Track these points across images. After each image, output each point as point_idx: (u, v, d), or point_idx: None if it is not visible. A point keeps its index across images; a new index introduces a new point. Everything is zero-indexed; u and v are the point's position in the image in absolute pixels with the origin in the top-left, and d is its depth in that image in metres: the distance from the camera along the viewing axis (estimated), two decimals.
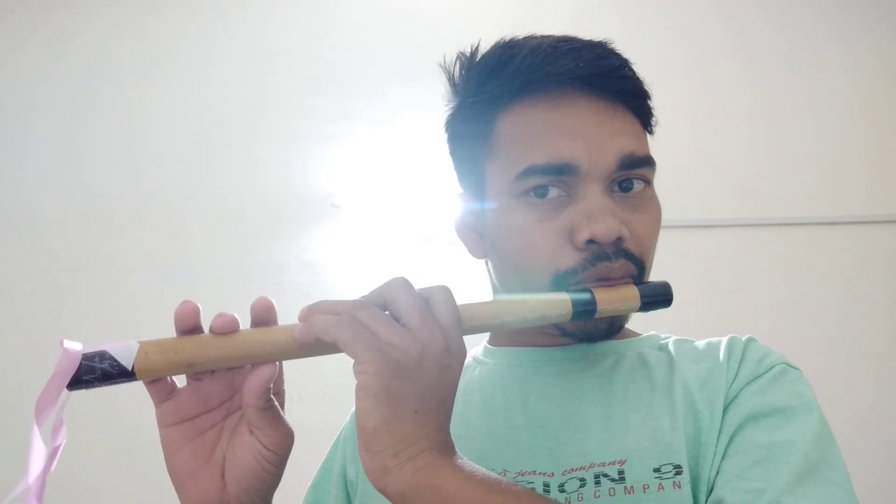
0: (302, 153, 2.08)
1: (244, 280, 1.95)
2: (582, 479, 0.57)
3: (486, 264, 0.68)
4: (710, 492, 0.54)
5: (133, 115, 2.08)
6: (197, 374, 0.52)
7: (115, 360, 0.45)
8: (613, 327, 0.62)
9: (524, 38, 0.64)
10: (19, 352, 1.89)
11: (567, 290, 0.57)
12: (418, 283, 0.51)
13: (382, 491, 0.47)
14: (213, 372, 0.53)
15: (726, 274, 2.04)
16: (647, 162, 0.62)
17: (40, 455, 0.43)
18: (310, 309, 0.49)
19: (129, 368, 0.45)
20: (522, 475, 0.59)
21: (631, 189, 0.61)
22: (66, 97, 2.07)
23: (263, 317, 0.51)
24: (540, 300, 0.56)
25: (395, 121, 2.08)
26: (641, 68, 0.65)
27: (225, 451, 0.53)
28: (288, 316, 0.52)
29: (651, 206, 0.63)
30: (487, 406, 0.65)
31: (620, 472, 0.56)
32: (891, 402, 1.97)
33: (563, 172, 0.59)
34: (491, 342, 0.73)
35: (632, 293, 0.58)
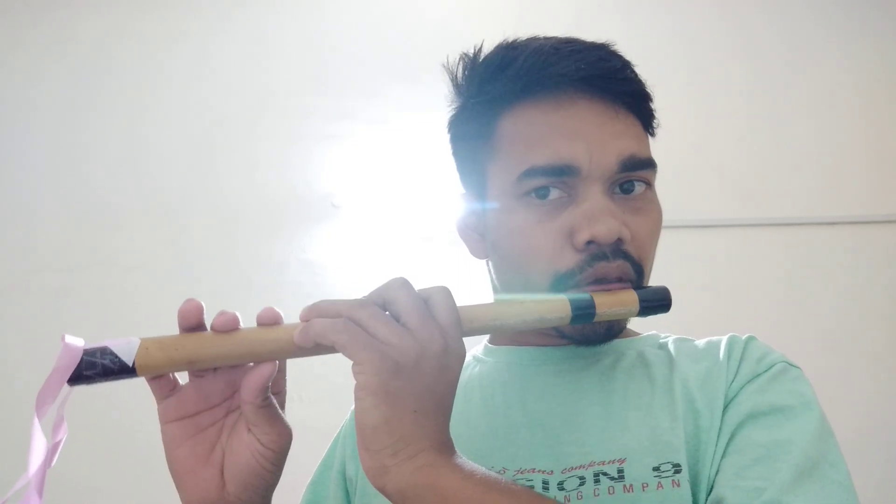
0: (302, 153, 2.08)
1: (244, 280, 1.96)
2: (581, 478, 0.57)
3: (487, 264, 0.69)
4: (710, 490, 0.54)
5: (133, 115, 2.08)
6: (198, 371, 0.52)
7: (116, 356, 0.45)
8: (612, 331, 0.62)
9: (527, 40, 0.64)
10: (19, 352, 1.89)
11: (566, 293, 0.57)
12: (418, 284, 0.51)
13: (381, 490, 0.47)
14: (215, 370, 0.53)
15: (726, 274, 2.04)
16: (648, 164, 0.62)
17: (41, 449, 0.43)
18: (309, 310, 0.49)
19: (130, 364, 0.46)
20: (522, 473, 0.59)
21: (632, 191, 0.61)
22: (66, 97, 2.08)
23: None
24: (539, 302, 0.56)
25: (395, 121, 2.08)
26: (641, 68, 0.66)
27: (224, 448, 0.53)
28: (288, 316, 0.52)
29: (652, 208, 0.63)
30: (487, 404, 0.65)
31: (620, 471, 0.56)
32: (891, 402, 1.97)
33: (563, 174, 0.59)
34: (491, 341, 0.73)
35: (631, 297, 0.58)
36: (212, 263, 1.98)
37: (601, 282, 0.59)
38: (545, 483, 0.58)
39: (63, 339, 0.45)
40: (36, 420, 0.43)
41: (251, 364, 0.50)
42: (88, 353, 0.45)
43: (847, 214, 2.07)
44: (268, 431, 0.51)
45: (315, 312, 0.48)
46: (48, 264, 1.98)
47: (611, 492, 0.55)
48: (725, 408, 0.58)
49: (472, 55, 0.66)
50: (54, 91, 2.08)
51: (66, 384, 0.45)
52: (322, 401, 1.60)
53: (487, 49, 0.65)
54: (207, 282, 1.95)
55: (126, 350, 0.46)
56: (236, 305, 0.51)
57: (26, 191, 2.03)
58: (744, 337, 0.65)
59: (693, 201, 2.03)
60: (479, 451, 0.61)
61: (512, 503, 0.45)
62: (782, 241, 2.07)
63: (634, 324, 0.68)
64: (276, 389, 0.54)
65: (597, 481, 0.56)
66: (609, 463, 0.57)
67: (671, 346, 0.66)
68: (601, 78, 0.60)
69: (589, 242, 0.58)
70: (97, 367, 0.45)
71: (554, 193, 0.60)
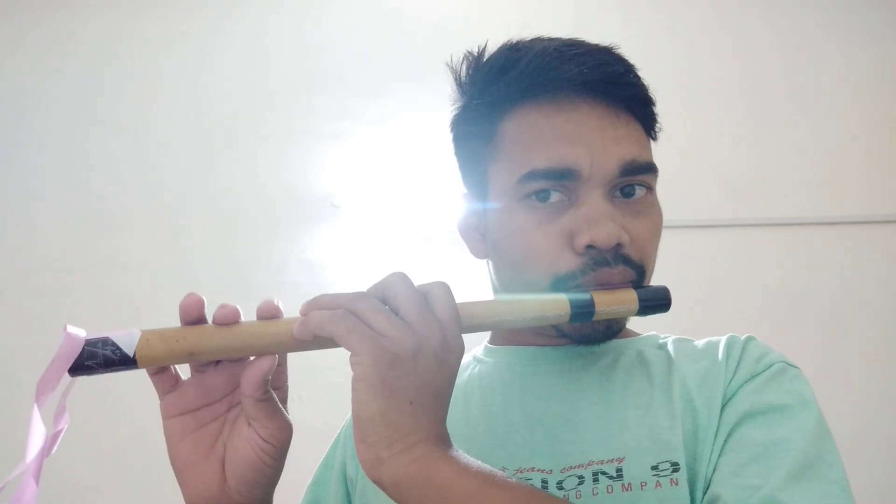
0: (302, 153, 2.08)
1: (244, 280, 1.96)
2: (580, 477, 0.57)
3: (488, 265, 0.69)
4: (707, 488, 0.55)
5: (133, 115, 2.08)
6: (199, 365, 0.53)
7: (118, 347, 0.46)
8: (611, 330, 0.62)
9: (530, 41, 0.64)
10: (19, 352, 1.89)
11: (566, 292, 0.57)
12: (418, 283, 0.51)
13: (377, 482, 0.47)
14: (217, 364, 0.53)
15: (726, 274, 2.04)
16: (649, 168, 0.62)
17: (39, 436, 0.44)
18: (310, 304, 0.49)
19: (131, 355, 0.46)
20: (521, 472, 0.59)
21: (633, 195, 0.61)
22: (67, 97, 2.08)
23: (270, 318, 0.51)
24: (539, 300, 0.56)
25: (395, 121, 2.08)
26: (641, 68, 0.66)
27: (226, 443, 0.53)
28: (288, 313, 0.52)
29: (652, 211, 0.63)
30: (487, 404, 0.66)
31: (618, 470, 0.56)
32: (890, 402, 1.98)
33: (564, 177, 0.59)
34: (491, 341, 0.73)
35: (630, 297, 0.58)
36: (212, 263, 1.98)
37: (603, 287, 0.59)
38: (544, 482, 0.58)
39: (65, 328, 0.45)
40: (35, 408, 0.43)
41: (252, 358, 0.51)
42: (90, 344, 0.45)
43: (847, 214, 2.07)
44: (267, 425, 0.52)
45: (315, 306, 0.49)
46: (48, 264, 1.98)
47: (609, 491, 0.56)
48: (723, 407, 0.58)
49: (475, 55, 0.66)
50: (54, 91, 2.08)
51: (67, 375, 0.45)
52: (322, 401, 1.60)
53: (491, 49, 0.65)
54: (207, 282, 1.95)
55: (127, 341, 0.46)
56: (236, 305, 0.52)
57: (26, 191, 2.03)
58: (743, 337, 0.65)
59: (693, 201, 2.03)
60: (479, 450, 0.61)
61: (507, 495, 0.46)
62: (782, 241, 2.07)
63: (634, 324, 0.68)
64: (276, 384, 0.55)
65: (595, 480, 0.56)
66: (608, 462, 0.57)
67: (670, 347, 0.67)
68: (603, 82, 0.60)
69: (589, 246, 0.58)
70: (98, 358, 0.45)
71: (554, 196, 0.60)
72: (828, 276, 2.04)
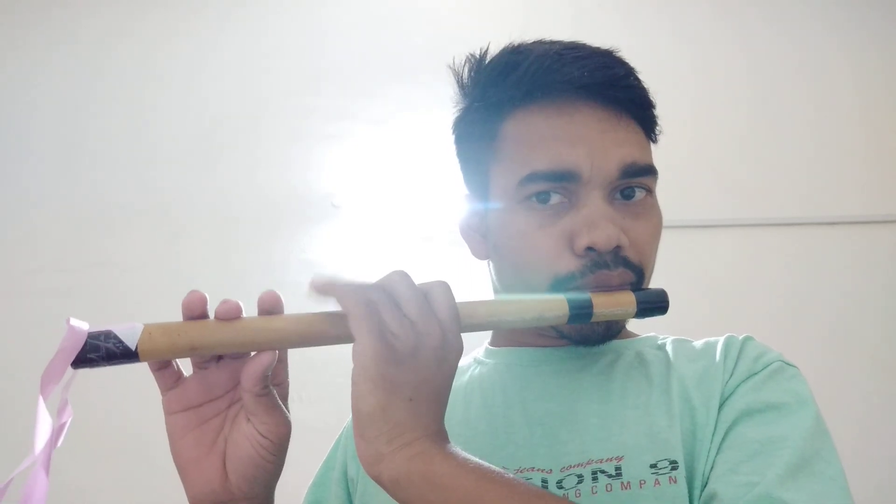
0: (302, 153, 2.08)
1: (244, 280, 1.95)
2: (579, 476, 0.57)
3: (488, 265, 0.69)
4: (705, 486, 0.55)
5: (133, 115, 2.08)
6: (201, 360, 0.53)
7: (120, 340, 0.46)
8: (610, 332, 0.63)
9: (532, 44, 0.65)
10: (19, 352, 1.89)
11: (565, 293, 0.58)
12: (418, 282, 0.51)
13: (376, 478, 0.47)
14: (218, 360, 0.53)
15: (726, 274, 2.04)
16: (649, 171, 0.62)
17: (46, 428, 0.44)
18: (326, 276, 0.49)
19: (133, 349, 0.46)
20: (521, 472, 0.59)
21: (632, 197, 0.62)
22: (66, 97, 2.08)
23: (270, 311, 0.51)
24: (538, 301, 0.57)
25: (394, 121, 2.08)
26: (641, 68, 0.66)
27: (227, 438, 0.54)
28: (288, 308, 0.52)
29: (652, 214, 0.63)
30: (487, 405, 0.66)
31: (617, 468, 0.57)
32: (890, 402, 1.98)
33: (564, 179, 0.60)
34: (492, 343, 0.74)
35: (628, 299, 0.59)
36: (212, 263, 1.98)
37: (602, 289, 0.59)
38: (544, 482, 0.58)
39: (68, 321, 0.45)
40: (41, 399, 0.44)
41: (253, 354, 0.51)
42: (93, 337, 0.46)
43: (847, 214, 2.07)
44: (266, 421, 0.52)
45: (329, 279, 0.49)
46: (48, 264, 1.98)
47: (608, 489, 0.56)
48: (721, 405, 0.59)
49: (477, 58, 0.67)
50: (54, 91, 2.08)
51: (70, 368, 0.45)
52: (322, 401, 1.60)
53: (493, 52, 0.66)
54: (207, 282, 1.94)
55: (129, 335, 0.46)
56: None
57: (26, 191, 2.03)
58: (741, 337, 0.65)
59: (693, 201, 2.03)
60: (479, 450, 0.61)
61: (505, 491, 0.46)
62: (782, 242, 2.07)
63: (633, 325, 0.68)
64: (277, 380, 0.55)
65: (595, 479, 0.57)
66: (607, 461, 0.57)
67: (669, 347, 0.67)
68: (604, 85, 0.61)
69: (589, 248, 0.59)
70: (101, 351, 0.46)
71: (555, 198, 0.60)
72: (828, 276, 2.04)
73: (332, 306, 0.49)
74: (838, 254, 2.06)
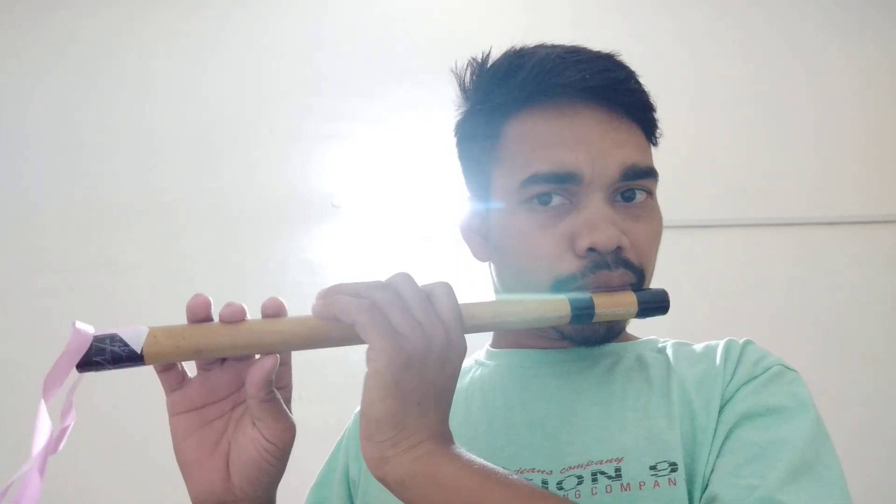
0: (302, 153, 2.08)
1: (244, 280, 1.96)
2: (579, 477, 0.58)
3: (489, 267, 0.70)
4: (705, 489, 0.55)
5: (133, 114, 2.08)
6: (206, 363, 0.53)
7: (125, 343, 0.46)
8: (611, 332, 0.63)
9: (534, 48, 0.65)
10: (19, 352, 1.89)
11: (566, 294, 0.58)
12: (419, 282, 0.51)
13: (382, 479, 0.48)
14: (222, 362, 0.54)
15: (726, 274, 2.04)
16: (650, 173, 0.63)
17: (45, 431, 0.44)
18: (329, 290, 0.50)
19: (139, 352, 0.46)
20: (521, 473, 0.60)
21: (633, 199, 0.62)
22: (66, 97, 2.08)
23: (274, 316, 0.52)
24: (539, 301, 0.57)
25: (394, 121, 2.08)
26: (641, 68, 0.66)
27: (230, 441, 0.54)
28: (289, 314, 0.52)
29: (652, 215, 0.64)
30: (488, 406, 0.66)
31: (617, 470, 0.57)
32: (890, 402, 1.98)
33: (566, 181, 0.60)
34: (493, 345, 0.74)
35: (629, 299, 0.59)
36: (212, 263, 1.98)
37: (603, 289, 0.60)
38: (544, 482, 0.58)
39: (73, 324, 0.45)
40: (42, 403, 0.44)
41: (257, 356, 0.51)
42: (98, 340, 0.46)
43: (847, 214, 2.07)
44: (272, 426, 0.52)
45: (334, 293, 0.49)
46: (48, 264, 1.98)
47: (608, 490, 0.56)
48: (721, 408, 0.59)
49: (479, 62, 0.67)
50: (54, 91, 2.08)
51: (75, 370, 0.45)
52: (322, 401, 1.60)
53: (495, 56, 0.67)
54: (207, 282, 1.95)
55: (135, 337, 0.46)
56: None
57: (26, 191, 2.03)
58: (741, 341, 0.65)
59: (693, 201, 2.03)
60: (480, 451, 0.61)
61: (509, 492, 0.46)
62: (782, 241, 2.07)
63: (633, 328, 0.68)
64: (281, 384, 0.55)
65: (594, 480, 0.57)
66: (607, 462, 0.58)
67: (669, 351, 0.67)
68: (605, 88, 0.61)
69: (590, 249, 0.59)
70: (106, 354, 0.46)
71: (556, 200, 0.61)
72: (828, 275, 2.04)
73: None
74: (839, 254, 2.06)
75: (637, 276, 0.61)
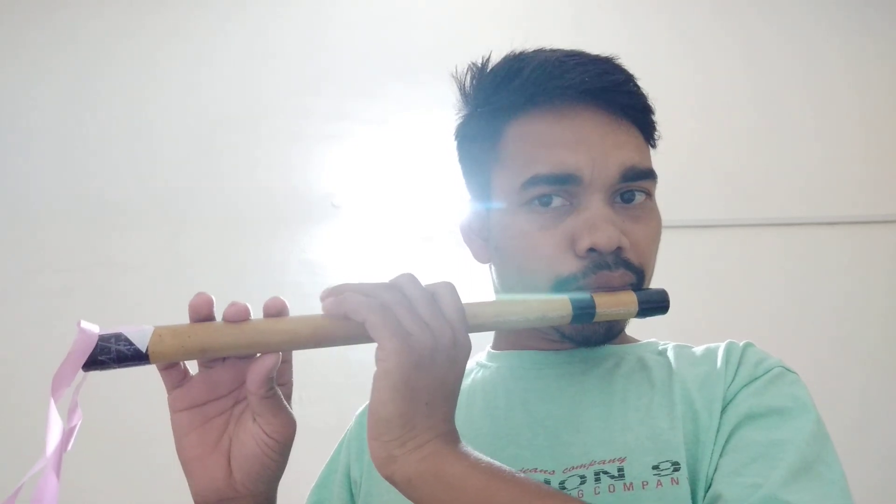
0: (302, 153, 2.08)
1: (244, 280, 1.96)
2: (582, 477, 0.58)
3: (490, 268, 0.70)
4: (708, 488, 0.56)
5: (133, 114, 2.08)
6: (209, 361, 0.54)
7: (130, 342, 0.46)
8: (611, 332, 0.64)
9: (533, 52, 0.66)
10: (19, 352, 1.89)
11: (567, 294, 0.58)
12: (423, 283, 0.51)
13: (389, 478, 0.48)
14: (224, 360, 0.54)
15: (726, 274, 2.04)
16: (649, 175, 0.63)
17: (57, 431, 0.44)
18: (337, 288, 0.50)
19: (144, 351, 0.47)
20: (523, 472, 0.59)
21: (632, 200, 0.63)
22: (67, 97, 2.08)
23: (277, 316, 0.52)
24: (541, 301, 0.58)
25: (395, 121, 2.08)
26: (641, 68, 0.66)
27: (231, 437, 0.55)
28: (291, 313, 0.52)
29: (652, 216, 0.64)
30: (490, 407, 0.67)
31: (620, 470, 0.57)
32: (890, 402, 1.98)
33: (566, 182, 0.61)
34: (494, 346, 0.74)
35: (630, 299, 0.60)
36: (212, 263, 1.98)
37: (603, 290, 0.60)
38: (547, 482, 0.59)
39: (79, 324, 0.46)
40: (52, 403, 0.44)
41: (258, 356, 0.51)
42: (103, 339, 0.46)
43: (847, 214, 2.08)
44: (272, 422, 0.53)
45: (340, 292, 0.49)
46: (48, 264, 1.98)
47: (611, 490, 0.56)
48: (723, 409, 0.59)
49: (479, 66, 0.68)
50: (55, 91, 2.08)
51: (80, 370, 0.45)
52: (322, 401, 1.61)
53: (495, 60, 0.67)
54: (207, 282, 1.94)
55: (140, 337, 0.47)
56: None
57: (27, 191, 2.03)
58: (741, 343, 0.66)
59: (693, 201, 2.03)
60: (482, 452, 0.61)
61: (516, 491, 0.47)
62: (782, 241, 2.07)
63: (633, 328, 0.68)
64: (282, 381, 0.56)
65: (597, 480, 0.57)
66: (609, 462, 0.58)
67: (670, 353, 0.68)
68: (604, 90, 0.62)
69: (590, 250, 0.60)
70: (111, 353, 0.46)
71: (556, 201, 0.61)
72: (828, 275, 2.04)
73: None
74: (838, 254, 2.06)
75: (637, 277, 0.62)
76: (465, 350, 0.51)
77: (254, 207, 2.03)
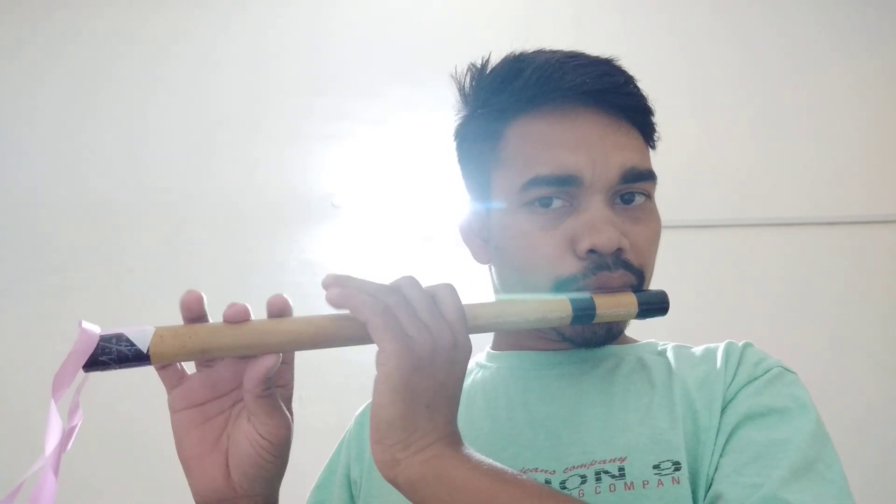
0: (302, 153, 2.08)
1: (244, 280, 1.96)
2: (583, 476, 0.58)
3: (490, 269, 0.70)
4: (709, 488, 0.56)
5: (133, 115, 2.08)
6: (208, 361, 0.54)
7: (132, 343, 0.46)
8: (611, 333, 0.64)
9: (533, 53, 0.66)
10: (20, 352, 1.89)
11: (568, 295, 0.59)
12: (423, 284, 0.51)
13: (392, 481, 0.48)
14: (223, 360, 0.54)
15: (726, 274, 2.04)
16: (649, 176, 0.63)
17: (56, 431, 0.44)
18: (339, 280, 0.50)
19: (145, 351, 0.47)
20: (525, 473, 0.60)
21: (632, 202, 0.63)
22: (67, 97, 2.08)
23: (279, 314, 0.52)
24: (541, 302, 0.58)
25: (395, 121, 2.08)
26: (641, 68, 0.66)
27: (229, 436, 0.55)
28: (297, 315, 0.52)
29: (651, 218, 0.65)
30: (490, 407, 0.67)
31: (621, 469, 0.57)
32: (890, 402, 1.98)
33: (566, 184, 0.61)
34: (493, 347, 0.74)
35: (629, 300, 0.60)
36: (212, 263, 1.98)
37: (603, 291, 0.60)
38: (548, 482, 0.59)
39: (80, 324, 0.46)
40: (53, 403, 0.44)
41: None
42: (104, 340, 0.46)
43: (847, 214, 2.08)
44: (265, 422, 0.53)
45: (346, 286, 0.49)
46: (48, 264, 1.98)
47: (612, 489, 0.57)
48: (723, 409, 0.59)
49: (479, 67, 0.68)
50: (55, 91, 2.08)
51: (81, 370, 0.45)
52: (322, 401, 1.61)
53: (494, 61, 0.67)
54: (207, 282, 1.94)
55: (141, 337, 0.47)
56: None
57: (27, 190, 2.03)
58: (741, 343, 0.66)
59: (693, 201, 2.03)
60: (483, 452, 0.61)
61: (518, 492, 0.47)
62: (782, 241, 2.07)
63: (633, 328, 0.69)
64: (281, 382, 0.56)
65: (598, 479, 0.57)
66: (610, 461, 0.58)
67: (670, 354, 0.68)
68: (605, 92, 0.62)
69: (590, 251, 0.60)
70: (112, 353, 0.46)
71: (557, 203, 0.61)
72: (828, 276, 2.04)
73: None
74: (838, 254, 2.06)
75: (637, 278, 0.62)
76: (466, 351, 0.51)
77: (254, 207, 2.03)
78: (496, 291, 0.69)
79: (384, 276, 0.52)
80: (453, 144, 0.72)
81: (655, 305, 0.61)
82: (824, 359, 1.94)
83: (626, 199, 0.63)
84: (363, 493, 0.67)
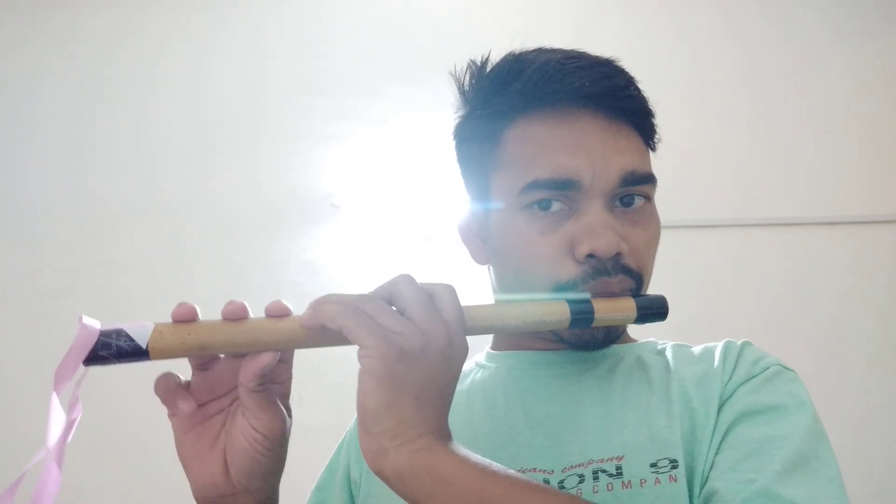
0: (302, 153, 2.08)
1: (244, 280, 1.96)
2: (581, 475, 0.58)
3: (489, 270, 0.70)
4: (704, 484, 0.56)
5: (133, 115, 2.08)
6: (203, 361, 0.54)
7: (131, 338, 0.47)
8: (610, 337, 0.64)
9: (534, 53, 0.65)
10: (19, 352, 1.89)
11: (567, 297, 0.59)
12: (421, 283, 0.51)
13: (379, 472, 0.48)
14: (221, 359, 0.54)
15: (726, 274, 2.04)
16: (649, 179, 0.63)
17: (59, 422, 0.45)
18: (318, 299, 0.50)
19: (144, 347, 0.47)
20: (523, 472, 0.60)
21: (632, 204, 0.63)
22: (67, 97, 2.08)
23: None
24: (540, 305, 0.58)
25: (395, 121, 2.08)
26: (641, 68, 0.66)
27: (226, 433, 0.55)
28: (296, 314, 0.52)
29: (651, 221, 0.64)
30: (489, 407, 0.67)
31: (618, 468, 0.57)
32: (889, 402, 1.98)
33: (566, 187, 0.60)
34: (493, 347, 0.74)
35: (628, 304, 0.60)
36: (212, 263, 1.98)
37: (602, 295, 0.60)
38: (546, 482, 0.59)
39: (80, 319, 0.46)
40: (54, 394, 0.45)
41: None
42: (104, 335, 0.47)
43: (847, 214, 2.08)
44: (259, 416, 0.53)
45: (323, 302, 0.50)
46: (48, 264, 1.98)
47: (609, 488, 0.57)
48: (720, 407, 0.59)
49: (479, 65, 0.67)
50: (55, 91, 2.08)
51: (81, 365, 0.46)
52: (322, 401, 1.61)
53: (494, 60, 0.67)
54: (207, 282, 1.95)
55: (140, 333, 0.47)
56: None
57: (27, 191, 2.03)
58: (739, 342, 0.66)
59: (693, 201, 2.04)
60: (482, 451, 0.61)
61: (506, 484, 0.47)
62: (782, 242, 2.07)
63: (633, 328, 0.69)
64: (279, 380, 0.56)
65: (596, 479, 0.57)
66: (608, 461, 0.58)
67: (668, 353, 0.68)
68: (605, 94, 0.62)
69: (589, 255, 0.60)
70: (112, 348, 0.46)
71: (556, 206, 0.61)
72: (828, 276, 2.04)
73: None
74: (838, 254, 2.06)
75: (636, 282, 0.62)
76: (462, 351, 0.51)
77: (254, 208, 2.03)
78: (495, 292, 0.69)
79: (384, 276, 0.52)
80: (452, 144, 0.72)
81: (654, 310, 0.61)
82: (823, 359, 1.94)
83: (626, 201, 0.62)
84: (362, 494, 0.67)
